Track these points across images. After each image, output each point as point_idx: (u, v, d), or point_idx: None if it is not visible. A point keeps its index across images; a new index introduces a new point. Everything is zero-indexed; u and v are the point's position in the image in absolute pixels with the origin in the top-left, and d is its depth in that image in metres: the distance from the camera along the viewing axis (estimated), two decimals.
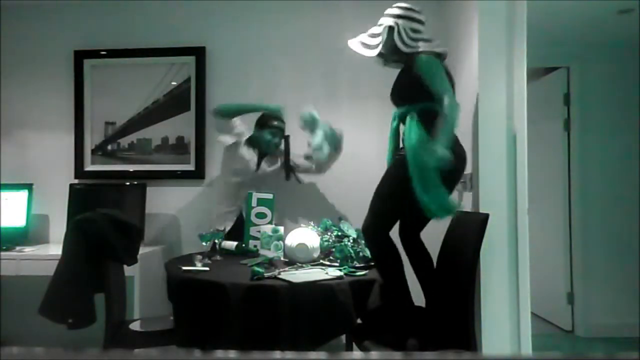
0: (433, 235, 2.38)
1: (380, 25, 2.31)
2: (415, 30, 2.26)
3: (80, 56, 3.43)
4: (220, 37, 3.39)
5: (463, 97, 2.60)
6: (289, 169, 2.97)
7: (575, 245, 3.99)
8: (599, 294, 3.90)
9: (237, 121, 2.98)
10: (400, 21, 2.27)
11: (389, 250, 2.20)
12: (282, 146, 2.99)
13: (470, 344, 2.01)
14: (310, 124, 2.76)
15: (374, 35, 2.32)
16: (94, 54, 3.43)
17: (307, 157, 2.89)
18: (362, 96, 3.23)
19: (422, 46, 2.24)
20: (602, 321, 3.87)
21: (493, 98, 2.35)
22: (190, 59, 3.37)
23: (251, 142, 3.02)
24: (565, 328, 4.01)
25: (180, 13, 3.40)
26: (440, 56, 2.25)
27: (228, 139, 3.00)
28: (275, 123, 2.97)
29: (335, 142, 2.81)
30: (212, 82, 3.37)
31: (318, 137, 2.74)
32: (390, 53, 2.34)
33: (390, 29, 2.26)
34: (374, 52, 2.29)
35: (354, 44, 2.36)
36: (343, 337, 2.63)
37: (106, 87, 3.44)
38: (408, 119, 2.17)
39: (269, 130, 2.96)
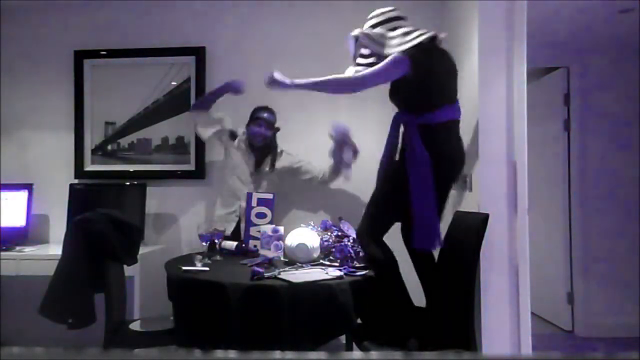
0: None
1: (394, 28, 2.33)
2: (392, 29, 2.30)
3: (81, 56, 3.43)
4: (221, 37, 3.39)
5: (463, 96, 2.60)
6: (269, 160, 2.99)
7: (575, 245, 3.99)
8: (599, 293, 3.90)
9: (214, 113, 3.02)
10: (366, 30, 2.34)
11: (383, 254, 2.21)
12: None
13: (470, 344, 2.01)
14: (344, 139, 2.70)
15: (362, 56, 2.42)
16: (94, 54, 3.43)
17: (335, 171, 2.91)
18: (361, 97, 3.22)
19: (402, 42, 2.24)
20: (602, 321, 3.87)
21: (493, 98, 2.35)
22: (190, 59, 3.37)
23: (246, 139, 3.00)
24: (565, 328, 4.01)
25: (181, 13, 3.40)
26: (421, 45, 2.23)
27: (207, 131, 3.03)
28: (265, 115, 2.96)
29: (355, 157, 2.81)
30: (212, 82, 3.37)
31: (350, 154, 2.72)
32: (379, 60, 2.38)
33: (355, 38, 2.35)
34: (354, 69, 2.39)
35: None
36: (343, 337, 2.63)
37: (106, 87, 3.44)
38: (409, 134, 2.21)
39: (255, 122, 2.95)
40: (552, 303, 4.09)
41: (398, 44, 2.23)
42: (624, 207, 3.92)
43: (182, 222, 3.38)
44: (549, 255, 4.12)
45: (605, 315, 3.87)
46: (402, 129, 2.32)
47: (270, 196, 2.80)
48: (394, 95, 2.35)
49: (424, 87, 2.18)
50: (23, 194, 3.25)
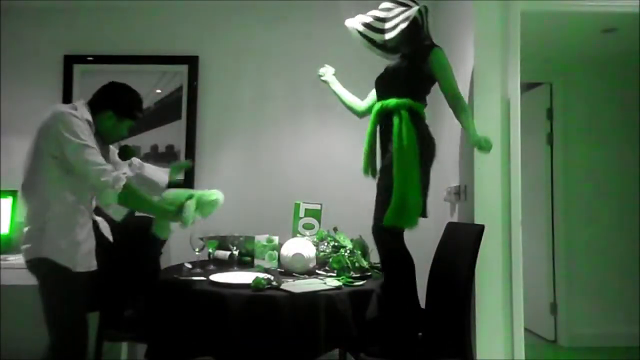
0: (425, 244, 2.40)
1: (388, 9, 2.26)
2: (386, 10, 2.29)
3: (70, 61, 3.38)
4: (214, 47, 3.39)
5: None
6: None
7: (558, 256, 4.07)
8: (582, 304, 3.98)
9: None
10: (366, 19, 2.30)
11: (402, 252, 2.21)
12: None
13: (467, 355, 2.03)
14: None
15: (380, 19, 2.26)
16: (85, 59, 3.38)
17: None
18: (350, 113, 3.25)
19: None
20: (585, 331, 3.94)
21: (488, 110, 2.40)
22: (183, 68, 3.36)
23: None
24: (548, 338, 4.07)
25: (174, 22, 3.40)
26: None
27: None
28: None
29: None
30: (204, 91, 3.37)
31: None
32: (401, 44, 2.32)
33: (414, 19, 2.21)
34: (387, 36, 2.21)
35: (355, 24, 2.33)
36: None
37: None
38: (396, 118, 2.19)
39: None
40: (534, 313, 4.15)
41: (392, 26, 2.21)
42: (606, 219, 4.03)
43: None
44: (532, 265, 4.18)
45: (588, 325, 3.95)
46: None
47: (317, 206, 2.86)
48: (393, 81, 2.31)
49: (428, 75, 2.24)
50: (7, 201, 3.16)
